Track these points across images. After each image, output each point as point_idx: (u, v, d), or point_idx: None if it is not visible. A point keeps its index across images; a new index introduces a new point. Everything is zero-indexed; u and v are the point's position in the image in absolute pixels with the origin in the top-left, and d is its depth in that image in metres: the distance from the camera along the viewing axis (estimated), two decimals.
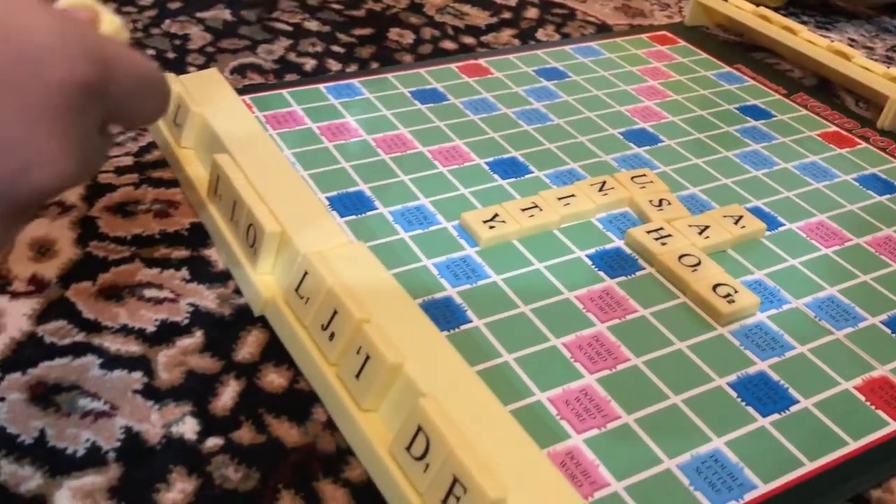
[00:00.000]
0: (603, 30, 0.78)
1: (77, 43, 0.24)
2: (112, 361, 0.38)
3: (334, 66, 0.66)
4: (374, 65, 0.66)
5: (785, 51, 0.73)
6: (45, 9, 0.24)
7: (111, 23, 0.29)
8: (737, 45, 0.76)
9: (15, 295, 0.41)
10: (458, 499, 0.30)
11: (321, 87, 0.60)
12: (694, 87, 0.67)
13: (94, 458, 0.34)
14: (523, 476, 0.31)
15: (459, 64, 0.66)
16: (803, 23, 0.86)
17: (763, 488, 0.35)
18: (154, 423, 0.35)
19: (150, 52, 0.64)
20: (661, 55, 0.72)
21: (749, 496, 0.34)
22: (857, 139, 0.61)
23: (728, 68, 0.70)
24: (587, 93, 0.64)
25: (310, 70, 0.64)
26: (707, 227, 0.48)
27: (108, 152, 0.28)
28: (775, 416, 0.38)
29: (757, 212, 0.52)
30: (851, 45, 0.82)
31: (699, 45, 0.74)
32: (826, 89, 0.70)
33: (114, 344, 0.39)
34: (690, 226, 0.48)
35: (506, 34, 0.75)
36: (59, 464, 0.33)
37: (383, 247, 0.45)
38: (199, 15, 0.71)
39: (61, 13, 0.24)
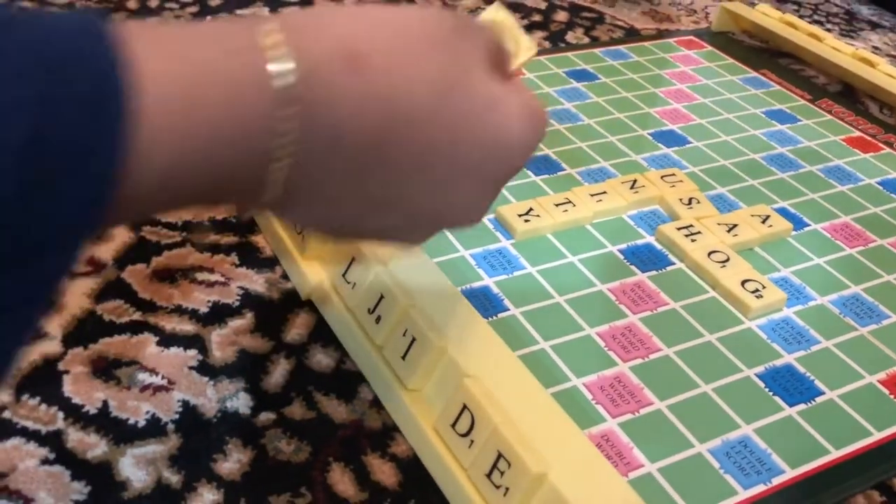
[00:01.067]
0: (631, 34, 0.79)
1: (531, 143, 0.30)
2: (168, 339, 0.40)
3: None
4: None
5: (810, 57, 0.74)
6: (522, 113, 0.28)
7: (528, 49, 0.34)
8: (762, 51, 0.78)
9: (74, 275, 0.43)
10: (502, 473, 0.32)
11: None
12: (720, 90, 0.68)
13: (154, 429, 0.36)
14: (564, 453, 0.32)
15: None
16: (828, 30, 0.87)
17: (790, 473, 0.36)
18: (210, 397, 0.37)
19: None
20: (689, 59, 0.73)
21: (777, 480, 0.36)
22: (880, 144, 0.63)
23: (754, 73, 0.72)
24: (616, 94, 0.66)
25: None
26: (735, 226, 0.50)
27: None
28: (802, 406, 0.39)
29: (783, 212, 0.53)
30: (875, 53, 0.83)
31: (725, 50, 0.76)
32: (850, 95, 0.72)
33: (169, 323, 0.41)
34: (719, 224, 0.50)
35: (537, 36, 0.76)
36: (122, 433, 0.35)
37: None
38: (239, 12, 0.73)
39: (530, 112, 0.29)
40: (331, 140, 0.24)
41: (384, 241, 0.32)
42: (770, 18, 0.76)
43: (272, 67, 0.23)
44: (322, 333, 0.41)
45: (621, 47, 0.74)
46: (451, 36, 0.27)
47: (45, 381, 0.37)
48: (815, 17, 0.91)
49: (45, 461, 0.34)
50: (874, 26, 0.91)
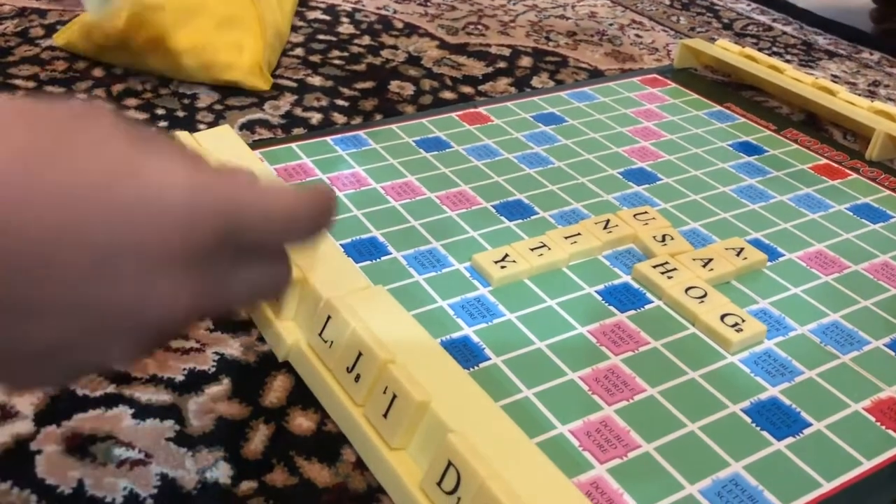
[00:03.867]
0: (595, 75, 0.80)
1: (207, 206, 0.25)
2: (144, 411, 0.39)
3: (339, 118, 0.68)
4: (378, 116, 0.68)
5: (772, 88, 0.75)
6: (185, 164, 0.25)
7: None
8: (725, 85, 0.79)
9: None
10: None
11: (328, 139, 0.62)
12: (687, 126, 0.69)
13: None
14: None
15: (460, 113, 0.68)
16: (787, 61, 0.89)
17: None
18: (188, 469, 0.36)
19: (161, 111, 0.66)
20: (653, 97, 0.74)
21: None
22: (847, 171, 0.64)
23: (718, 107, 0.73)
24: (584, 136, 0.66)
25: (316, 123, 0.67)
26: (710, 260, 0.50)
27: (265, 280, 0.29)
28: (790, 440, 0.39)
29: (757, 243, 0.53)
30: (835, 82, 0.85)
31: (689, 86, 0.77)
32: (814, 124, 0.73)
33: (144, 394, 0.40)
34: (694, 259, 0.50)
35: (502, 83, 0.77)
36: None
37: (400, 290, 0.47)
38: None
39: (199, 169, 0.25)
40: None
41: (80, 367, 0.26)
42: (730, 53, 0.78)
43: None
44: (301, 395, 0.40)
45: (586, 89, 0.75)
46: (50, 113, 0.23)
47: (16, 463, 0.36)
48: (774, 49, 0.92)
49: None
50: (831, 55, 0.93)
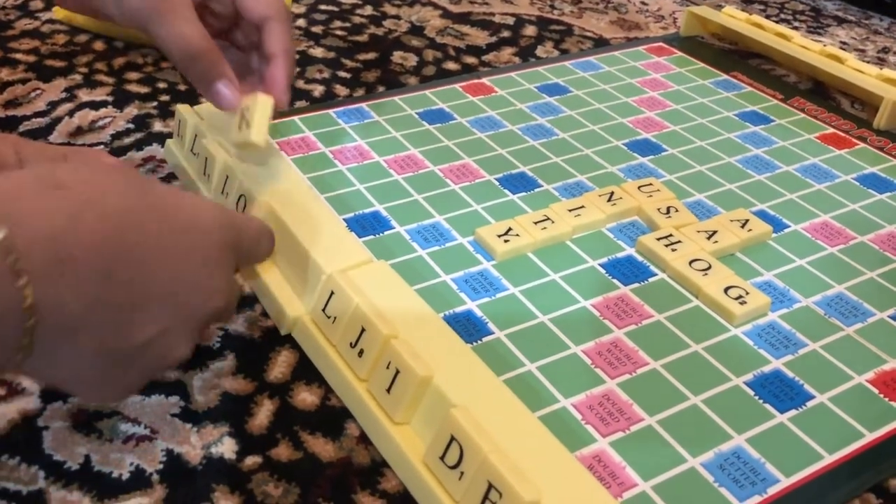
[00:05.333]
0: (600, 44, 0.79)
1: (224, 219, 0.34)
2: (149, 387, 0.39)
3: (342, 91, 0.67)
4: (381, 88, 0.68)
5: (779, 56, 0.75)
6: (205, 200, 0.34)
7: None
8: (732, 53, 0.78)
9: None
10: (493, 503, 0.31)
11: (331, 112, 0.62)
12: (693, 95, 0.68)
13: (138, 481, 0.35)
14: (555, 479, 0.32)
15: (463, 84, 0.68)
16: (795, 28, 0.88)
17: (785, 482, 0.36)
18: (194, 444, 0.37)
19: (162, 84, 0.66)
20: (659, 66, 0.73)
21: (772, 490, 0.35)
22: (854, 140, 0.63)
23: (725, 76, 0.72)
24: (589, 106, 0.66)
25: (319, 96, 0.66)
26: (715, 232, 0.50)
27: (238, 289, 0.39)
28: (793, 412, 0.39)
29: (762, 215, 0.53)
30: (843, 49, 0.83)
31: (695, 54, 0.76)
32: (821, 92, 0.72)
33: None
34: (699, 231, 0.50)
35: (506, 52, 0.76)
36: (105, 487, 0.35)
37: (403, 264, 0.47)
38: None
39: (211, 203, 0.35)
40: (62, 245, 0.27)
41: (164, 359, 0.32)
42: (737, 20, 0.77)
43: None
44: (305, 370, 0.41)
45: (591, 58, 0.74)
46: (127, 168, 0.34)
47: (24, 439, 0.36)
48: (782, 16, 0.91)
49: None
50: (840, 21, 0.91)
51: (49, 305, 0.26)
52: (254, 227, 0.39)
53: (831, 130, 0.64)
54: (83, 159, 0.35)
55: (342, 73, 0.70)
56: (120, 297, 0.28)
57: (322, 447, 0.37)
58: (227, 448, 0.37)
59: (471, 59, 0.74)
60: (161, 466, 0.36)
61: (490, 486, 0.31)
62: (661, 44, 0.78)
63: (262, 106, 0.44)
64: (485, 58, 0.75)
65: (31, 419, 0.37)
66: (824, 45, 0.72)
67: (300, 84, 0.68)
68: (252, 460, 0.36)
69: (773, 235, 0.51)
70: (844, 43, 0.85)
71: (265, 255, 0.41)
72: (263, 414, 0.38)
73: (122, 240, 0.28)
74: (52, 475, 0.35)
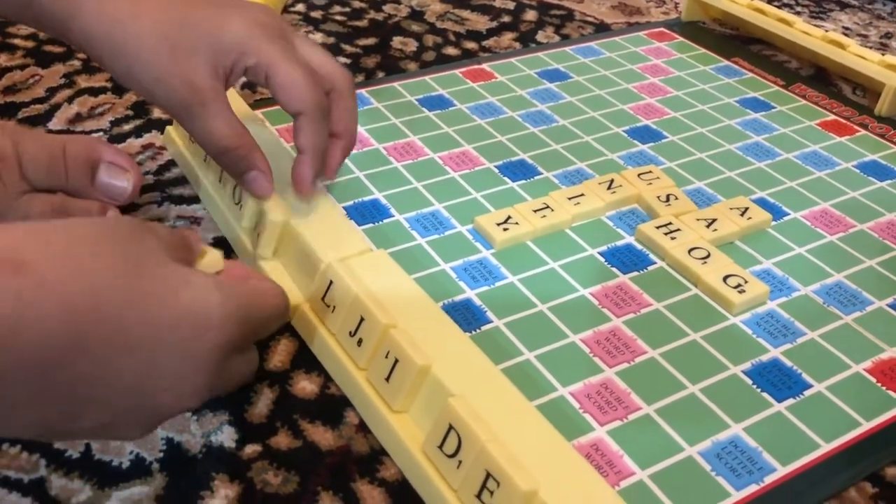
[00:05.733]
0: (601, 29, 0.79)
1: (232, 311, 0.30)
2: None
3: None
4: (380, 74, 0.68)
5: (781, 42, 0.74)
6: (215, 284, 0.30)
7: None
8: (733, 39, 0.77)
9: None
10: (491, 493, 0.31)
11: None
12: (693, 82, 0.68)
13: (139, 469, 0.35)
14: (553, 468, 0.32)
15: (463, 69, 0.68)
16: (797, 13, 0.87)
17: (782, 471, 0.36)
18: (194, 433, 0.37)
19: None
20: (660, 52, 0.73)
21: (769, 479, 0.36)
22: (855, 127, 0.63)
23: (726, 62, 0.72)
24: (590, 93, 0.65)
25: None
26: (714, 220, 0.50)
27: (251, 363, 0.34)
28: (790, 401, 0.39)
29: (762, 203, 0.53)
30: (846, 34, 0.83)
31: (696, 40, 0.76)
32: (823, 79, 0.72)
33: None
34: (698, 219, 0.50)
35: (507, 38, 0.76)
36: (106, 476, 0.35)
37: (402, 253, 0.47)
38: None
39: (223, 283, 0.31)
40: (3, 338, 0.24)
41: (105, 437, 0.31)
42: (738, 5, 0.76)
43: None
44: (305, 359, 0.41)
45: (592, 44, 0.74)
46: (125, 232, 0.29)
47: None
48: (785, 1, 0.91)
49: None
50: (843, 6, 0.91)
51: None
52: (271, 305, 0.34)
53: (832, 117, 0.64)
54: (84, 208, 0.33)
55: (342, 59, 0.70)
56: (69, 389, 0.26)
57: (321, 435, 0.37)
58: (226, 436, 0.37)
59: (471, 45, 0.74)
60: (161, 455, 0.36)
61: (488, 475, 0.31)
62: (662, 29, 0.78)
63: (272, 226, 0.43)
64: (485, 43, 0.75)
65: None
66: (826, 31, 0.71)
67: None
68: (252, 449, 0.36)
69: (773, 223, 0.51)
70: (847, 28, 0.85)
71: (277, 325, 0.37)
72: (263, 402, 0.39)
73: (82, 334, 0.26)
74: (53, 463, 0.35)
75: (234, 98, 0.54)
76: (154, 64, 0.39)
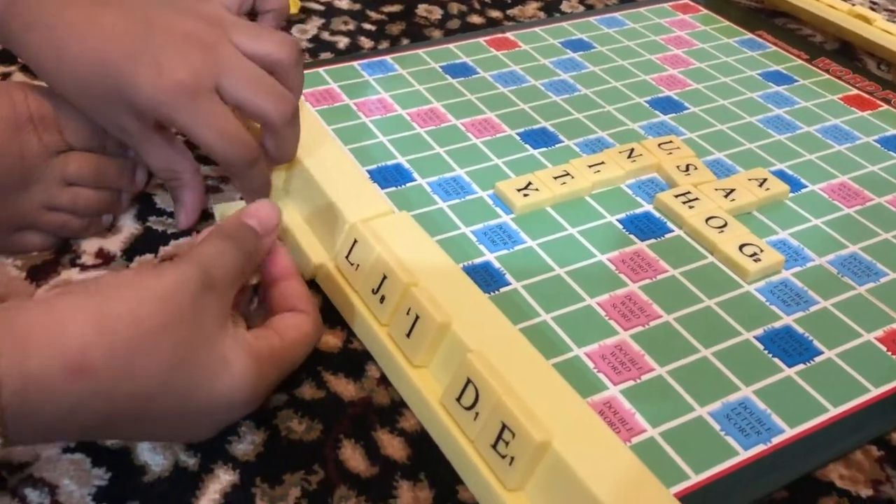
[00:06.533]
0: (626, 0, 0.79)
1: (263, 389, 0.34)
2: None
3: (366, 43, 0.68)
4: (405, 41, 0.68)
5: (806, 16, 0.74)
6: (254, 367, 0.33)
7: None
8: (758, 12, 0.77)
9: (84, 268, 0.44)
10: (506, 443, 0.33)
11: (356, 64, 0.63)
12: (716, 54, 0.68)
13: None
14: (566, 421, 0.33)
15: (487, 38, 0.68)
16: None
17: (790, 432, 0.37)
18: None
19: None
20: (684, 24, 0.73)
21: (776, 439, 0.37)
22: (878, 102, 0.63)
23: (750, 35, 0.72)
24: (613, 63, 0.66)
25: (343, 48, 0.67)
26: (733, 191, 0.50)
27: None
28: (800, 367, 0.40)
29: (781, 174, 0.54)
30: (873, 9, 0.82)
31: (721, 12, 0.75)
32: (848, 53, 0.72)
33: None
34: (717, 189, 0.50)
35: (531, 7, 0.76)
36: None
37: (423, 216, 0.48)
38: None
39: (262, 359, 0.34)
40: (44, 430, 0.29)
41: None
42: None
43: None
44: (328, 314, 0.42)
45: (617, 14, 0.74)
46: (189, 306, 0.31)
47: None
48: None
49: (66, 449, 0.35)
50: None
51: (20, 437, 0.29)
52: (300, 359, 0.37)
53: (855, 92, 0.64)
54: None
55: (367, 26, 0.71)
56: (112, 435, 0.33)
57: (344, 387, 0.39)
58: None
59: (495, 14, 0.74)
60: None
61: (504, 427, 0.33)
62: (687, 1, 0.77)
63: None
64: (510, 12, 0.75)
65: None
66: (853, 5, 0.71)
67: (325, 35, 0.68)
68: (277, 398, 0.38)
69: (791, 195, 0.52)
70: (874, 2, 0.84)
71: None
72: None
73: (117, 421, 0.30)
74: None
75: None
76: (82, 104, 0.41)
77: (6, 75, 0.60)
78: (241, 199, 0.46)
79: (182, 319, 0.31)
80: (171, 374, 0.30)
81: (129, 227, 0.47)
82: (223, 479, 0.34)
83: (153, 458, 0.35)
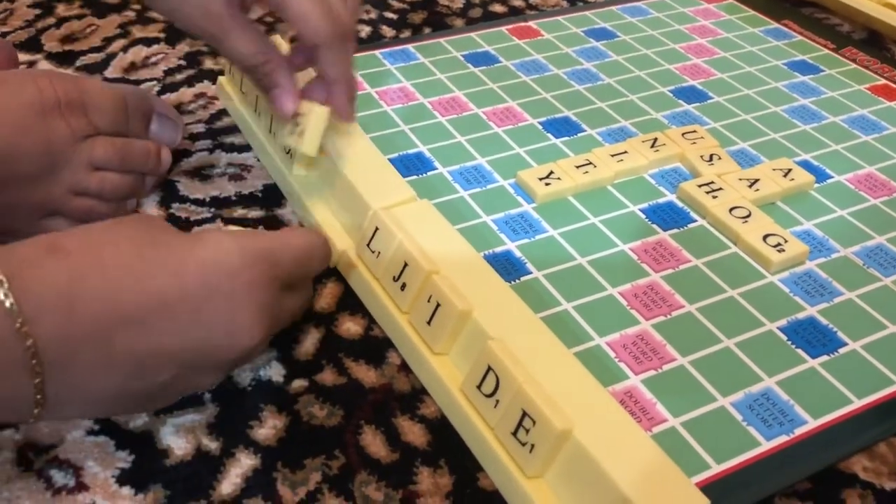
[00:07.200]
0: None
1: (253, 252, 0.34)
2: None
3: (388, 32, 0.68)
4: (427, 30, 0.68)
5: (834, 4, 0.73)
6: (227, 235, 0.34)
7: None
8: (784, 1, 0.76)
9: None
10: (527, 431, 0.33)
11: (377, 53, 0.63)
12: (742, 43, 0.68)
13: (192, 399, 0.37)
14: (587, 410, 0.33)
15: (510, 26, 0.68)
16: None
17: (813, 423, 0.37)
18: (244, 367, 0.39)
19: None
20: (709, 13, 0.72)
21: (799, 430, 0.36)
22: None
23: (776, 24, 0.71)
24: (636, 52, 0.65)
25: (365, 37, 0.67)
26: (757, 181, 0.50)
27: (297, 305, 0.38)
28: (824, 358, 0.40)
29: (805, 165, 0.53)
30: None
31: (746, 1, 0.75)
32: (876, 42, 0.71)
33: None
34: (740, 179, 0.50)
35: None
36: None
37: (445, 204, 0.48)
38: None
39: (237, 233, 0.34)
40: (65, 312, 0.29)
41: (181, 390, 0.34)
42: None
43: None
44: (350, 302, 0.42)
45: (640, 3, 0.73)
46: (133, 222, 0.33)
47: None
48: None
49: (90, 432, 0.35)
50: None
51: (56, 365, 0.29)
52: (296, 246, 0.37)
53: (883, 82, 0.63)
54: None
55: (389, 14, 0.70)
56: (129, 351, 0.30)
57: (365, 373, 0.39)
58: (274, 372, 0.39)
59: (518, 2, 0.74)
60: (213, 387, 0.38)
61: (524, 414, 0.33)
62: None
63: (317, 118, 0.43)
64: (532, 1, 0.75)
65: None
66: None
67: None
68: (299, 384, 0.38)
69: (816, 185, 0.51)
70: None
71: (320, 266, 0.39)
72: (310, 341, 0.40)
73: (122, 300, 0.30)
74: None
75: (285, 50, 0.55)
76: None
77: (32, 63, 0.61)
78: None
79: (133, 221, 0.33)
80: (147, 251, 0.31)
81: (152, 213, 0.47)
82: (245, 463, 0.35)
83: (176, 441, 0.35)
